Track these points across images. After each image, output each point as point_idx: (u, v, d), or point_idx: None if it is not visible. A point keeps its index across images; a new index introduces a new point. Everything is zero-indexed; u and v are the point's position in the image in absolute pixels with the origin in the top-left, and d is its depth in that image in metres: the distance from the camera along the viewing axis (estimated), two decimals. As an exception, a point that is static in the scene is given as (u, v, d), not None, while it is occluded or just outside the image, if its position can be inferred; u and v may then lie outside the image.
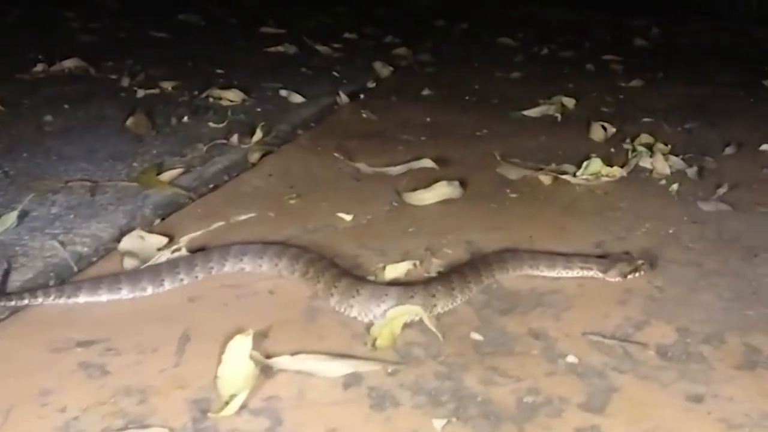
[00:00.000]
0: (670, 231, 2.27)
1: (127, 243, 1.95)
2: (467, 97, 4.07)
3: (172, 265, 1.85)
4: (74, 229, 2.08)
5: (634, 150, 2.97)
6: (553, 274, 1.95)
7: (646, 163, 2.85)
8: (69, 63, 4.13)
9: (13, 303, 1.69)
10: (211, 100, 3.61)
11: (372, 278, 1.90)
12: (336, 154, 2.83)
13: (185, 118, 3.25)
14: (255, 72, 4.31)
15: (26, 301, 1.70)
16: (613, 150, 3.06)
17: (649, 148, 2.99)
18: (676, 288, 1.91)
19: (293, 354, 1.53)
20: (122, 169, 2.58)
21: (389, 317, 1.66)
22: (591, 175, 2.68)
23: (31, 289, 1.76)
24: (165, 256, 1.91)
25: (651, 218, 2.36)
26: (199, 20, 6.34)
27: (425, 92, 4.09)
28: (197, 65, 4.46)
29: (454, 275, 1.83)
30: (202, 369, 1.48)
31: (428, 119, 3.52)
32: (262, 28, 5.92)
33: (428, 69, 4.87)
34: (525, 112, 3.67)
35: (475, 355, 1.60)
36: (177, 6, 6.60)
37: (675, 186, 2.63)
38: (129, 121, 3.12)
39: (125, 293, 1.77)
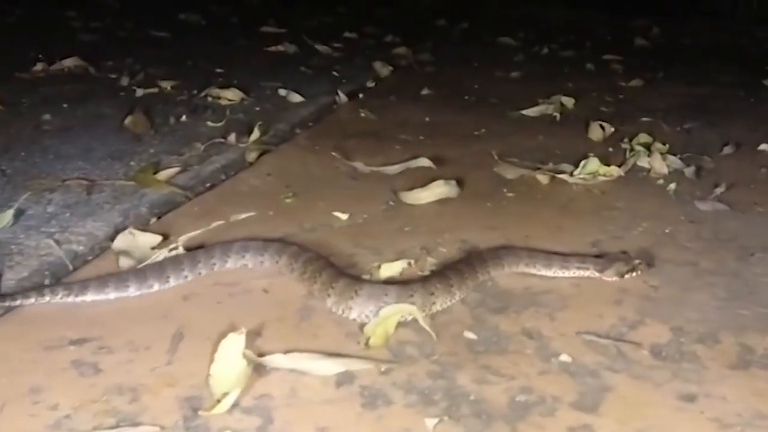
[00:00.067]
0: (667, 230, 2.27)
1: (120, 242, 1.95)
2: (466, 97, 4.07)
3: (176, 262, 1.86)
4: (70, 227, 2.08)
5: (632, 149, 2.97)
6: (549, 273, 1.95)
7: (643, 162, 2.85)
8: (69, 62, 4.14)
9: (18, 302, 1.68)
10: (209, 99, 3.62)
11: (367, 277, 1.90)
12: (333, 154, 2.84)
13: (184, 117, 3.25)
14: (254, 71, 4.32)
15: (32, 300, 1.69)
16: (611, 149, 3.06)
17: (647, 147, 2.99)
18: (671, 287, 1.91)
19: (286, 352, 1.53)
20: (119, 168, 2.59)
21: (383, 316, 1.66)
22: (588, 174, 2.67)
23: (38, 287, 1.76)
24: (162, 254, 1.91)
25: (648, 218, 2.36)
26: (199, 20, 6.36)
27: (424, 92, 4.09)
28: (197, 64, 4.47)
29: (450, 272, 1.82)
30: (195, 367, 1.48)
31: (427, 119, 3.52)
32: (262, 28, 5.93)
33: (428, 68, 4.87)
34: (524, 112, 3.67)
35: (468, 354, 1.59)
36: (178, 5, 6.62)
37: (672, 185, 2.62)
38: (127, 120, 3.12)
39: (132, 290, 1.77)
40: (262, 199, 2.39)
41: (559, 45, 5.88)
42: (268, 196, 2.44)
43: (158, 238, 1.98)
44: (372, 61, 4.71)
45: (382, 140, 3.13)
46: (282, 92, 3.79)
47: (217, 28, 6.09)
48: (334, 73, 4.45)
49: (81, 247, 1.98)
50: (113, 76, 4.00)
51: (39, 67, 4.06)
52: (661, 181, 2.71)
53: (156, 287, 1.79)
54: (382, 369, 1.52)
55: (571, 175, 2.68)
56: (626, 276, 1.93)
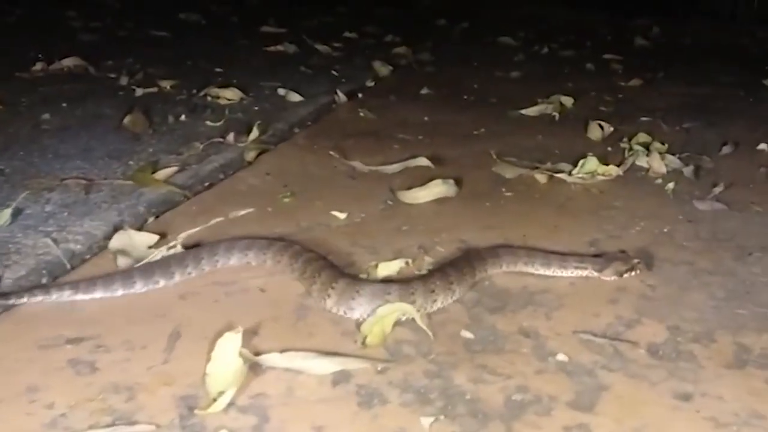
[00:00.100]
0: (665, 230, 2.26)
1: (117, 241, 1.95)
2: (466, 96, 4.07)
3: (180, 259, 1.87)
4: (68, 226, 2.08)
5: (630, 149, 2.97)
6: (548, 272, 1.95)
7: (642, 162, 2.85)
8: (68, 62, 4.15)
9: (24, 299, 1.69)
10: (209, 98, 3.62)
11: (364, 276, 1.90)
12: (332, 153, 2.84)
13: (183, 117, 3.26)
14: (254, 71, 4.33)
15: (39, 298, 1.70)
16: (610, 149, 3.06)
17: (646, 147, 2.99)
18: (668, 287, 1.91)
19: (282, 351, 1.53)
20: (118, 168, 2.59)
21: (380, 315, 1.66)
22: (587, 173, 2.67)
23: (44, 285, 1.76)
24: (161, 253, 1.91)
25: (646, 217, 2.36)
26: (200, 19, 6.37)
27: (424, 91, 4.10)
28: (197, 64, 4.47)
29: (450, 269, 1.82)
30: (191, 366, 1.49)
31: (426, 118, 3.52)
32: (262, 28, 5.94)
33: (428, 68, 4.87)
34: (523, 111, 3.67)
35: (465, 353, 1.59)
36: (178, 5, 6.62)
37: (671, 185, 2.62)
38: (126, 120, 3.12)
39: (139, 287, 1.78)
40: (261, 199, 2.39)
41: (559, 45, 5.88)
42: (267, 195, 2.44)
43: (155, 238, 1.98)
44: (372, 60, 4.71)
45: (380, 140, 3.13)
46: (281, 92, 3.80)
47: (217, 27, 6.10)
48: (334, 72, 4.45)
49: (79, 246, 1.98)
50: (113, 75, 4.00)
51: (38, 66, 4.07)
52: (659, 181, 2.71)
53: (162, 283, 1.81)
54: (379, 368, 1.52)
55: (570, 174, 2.68)
56: (625, 275, 1.92)
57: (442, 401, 1.42)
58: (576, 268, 1.94)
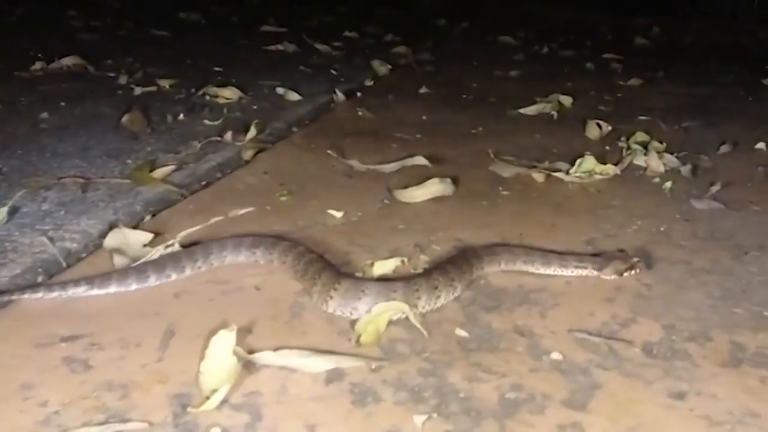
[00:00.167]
0: (662, 229, 2.26)
1: (111, 239, 1.95)
2: (465, 96, 4.07)
3: (190, 254, 1.89)
4: (64, 225, 2.08)
5: (628, 148, 2.97)
6: (549, 271, 1.94)
7: (640, 161, 2.84)
8: (68, 61, 4.15)
9: (39, 295, 1.71)
10: (207, 97, 3.62)
11: (360, 275, 1.90)
12: (329, 152, 2.84)
13: (181, 116, 3.26)
14: (253, 70, 4.33)
15: (55, 294, 1.72)
16: (608, 148, 3.06)
17: (645, 146, 2.98)
18: (664, 286, 1.91)
19: (276, 349, 1.53)
20: (115, 167, 2.59)
21: (374, 313, 1.66)
22: (584, 173, 2.67)
23: (62, 282, 1.77)
24: (158, 252, 1.91)
25: (643, 216, 2.35)
26: (200, 19, 6.37)
27: (423, 90, 4.10)
28: (196, 63, 4.47)
29: (450, 266, 1.82)
30: (185, 364, 1.49)
31: (424, 117, 3.52)
32: (262, 27, 5.94)
33: (427, 67, 4.87)
34: (522, 111, 3.67)
35: (459, 351, 1.59)
36: (178, 5, 6.63)
37: (668, 184, 2.62)
38: (124, 119, 3.13)
39: (153, 281, 1.80)
40: (258, 197, 2.39)
41: (559, 44, 5.88)
42: (264, 194, 2.44)
43: (149, 236, 1.98)
44: (371, 60, 4.71)
45: (378, 139, 3.13)
46: (280, 91, 3.80)
47: (218, 27, 6.10)
48: (333, 72, 4.45)
49: (75, 245, 1.98)
50: (112, 74, 4.00)
51: (38, 65, 4.07)
52: (657, 180, 2.70)
53: (174, 277, 1.84)
54: (373, 366, 1.52)
55: (567, 173, 2.68)
56: (625, 274, 1.92)
57: (436, 399, 1.42)
58: (576, 267, 1.94)
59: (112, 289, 1.77)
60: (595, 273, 1.93)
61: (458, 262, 1.85)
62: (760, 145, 3.14)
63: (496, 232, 2.20)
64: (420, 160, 2.74)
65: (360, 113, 3.54)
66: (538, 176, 2.67)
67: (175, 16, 6.34)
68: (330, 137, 3.08)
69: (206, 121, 3.20)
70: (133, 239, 1.94)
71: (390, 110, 3.63)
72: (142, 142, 2.90)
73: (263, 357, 1.51)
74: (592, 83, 4.44)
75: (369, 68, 4.57)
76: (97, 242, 2.01)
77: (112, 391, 1.41)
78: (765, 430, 1.37)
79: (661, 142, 3.04)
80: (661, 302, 1.82)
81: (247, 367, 1.48)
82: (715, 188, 2.59)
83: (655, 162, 2.80)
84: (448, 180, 2.49)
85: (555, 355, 1.58)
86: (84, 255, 1.96)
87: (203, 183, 2.53)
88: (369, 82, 4.28)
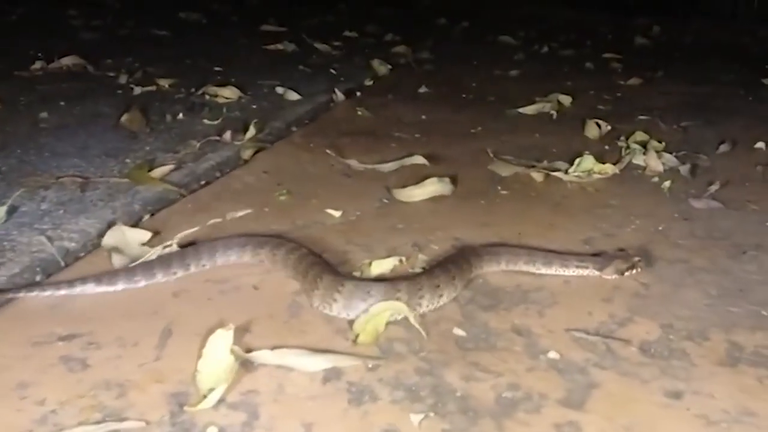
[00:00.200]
0: (660, 228, 2.26)
1: (110, 238, 1.95)
2: (464, 95, 4.07)
3: (195, 252, 1.89)
4: (63, 224, 2.08)
5: (628, 147, 2.97)
6: (551, 271, 1.94)
7: (639, 160, 2.84)
8: (67, 60, 4.16)
9: (47, 293, 1.72)
10: (207, 97, 3.63)
11: (357, 274, 1.90)
12: (328, 151, 2.84)
13: (180, 115, 3.26)
14: (253, 70, 4.33)
15: (63, 292, 1.73)
16: (607, 147, 3.06)
17: (644, 145, 2.98)
18: (662, 285, 1.91)
19: (273, 348, 1.53)
20: (114, 166, 2.59)
21: (372, 313, 1.66)
22: (583, 172, 2.67)
23: (70, 280, 1.77)
24: (156, 252, 1.91)
25: (641, 215, 2.35)
26: (200, 18, 6.38)
27: (422, 90, 4.10)
28: (196, 63, 4.48)
29: (450, 265, 1.82)
30: (183, 363, 1.49)
31: (423, 117, 3.52)
32: (262, 27, 5.95)
33: (427, 67, 4.87)
34: (521, 110, 3.67)
35: (457, 350, 1.59)
36: (179, 4, 6.64)
37: (667, 183, 2.62)
38: (124, 118, 3.13)
39: (160, 277, 1.82)
40: (257, 197, 2.40)
41: (559, 44, 5.88)
42: (263, 193, 2.44)
43: (148, 234, 1.98)
44: (371, 59, 4.71)
45: (377, 138, 3.13)
46: (279, 90, 3.80)
47: (218, 26, 6.11)
48: (333, 71, 4.45)
49: (73, 244, 1.98)
50: (112, 74, 4.01)
51: (38, 65, 4.08)
52: (656, 179, 2.70)
53: (180, 273, 1.86)
54: (370, 365, 1.52)
55: (566, 172, 2.68)
56: (626, 273, 1.92)
57: (433, 398, 1.42)
58: (578, 267, 1.94)
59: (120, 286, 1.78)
60: (597, 273, 1.93)
61: (459, 261, 1.85)
62: (760, 145, 3.14)
63: (494, 232, 2.20)
64: (419, 160, 2.75)
65: (359, 113, 3.54)
66: (537, 175, 2.67)
67: (175, 15, 6.35)
68: (329, 137, 3.08)
69: (205, 121, 3.20)
70: (131, 238, 1.94)
71: (389, 110, 3.63)
72: (141, 141, 2.90)
73: (261, 356, 1.51)
74: (592, 83, 4.44)
75: (368, 68, 4.57)
76: (95, 241, 2.01)
77: (109, 390, 1.41)
78: (762, 429, 1.37)
79: (660, 142, 3.04)
80: (658, 301, 1.82)
81: (245, 366, 1.48)
82: (713, 187, 2.59)
83: (654, 161, 2.80)
84: (447, 179, 2.49)
85: (552, 354, 1.58)
86: (82, 254, 1.97)
87: (202, 182, 2.54)
88: (368, 82, 4.28)
